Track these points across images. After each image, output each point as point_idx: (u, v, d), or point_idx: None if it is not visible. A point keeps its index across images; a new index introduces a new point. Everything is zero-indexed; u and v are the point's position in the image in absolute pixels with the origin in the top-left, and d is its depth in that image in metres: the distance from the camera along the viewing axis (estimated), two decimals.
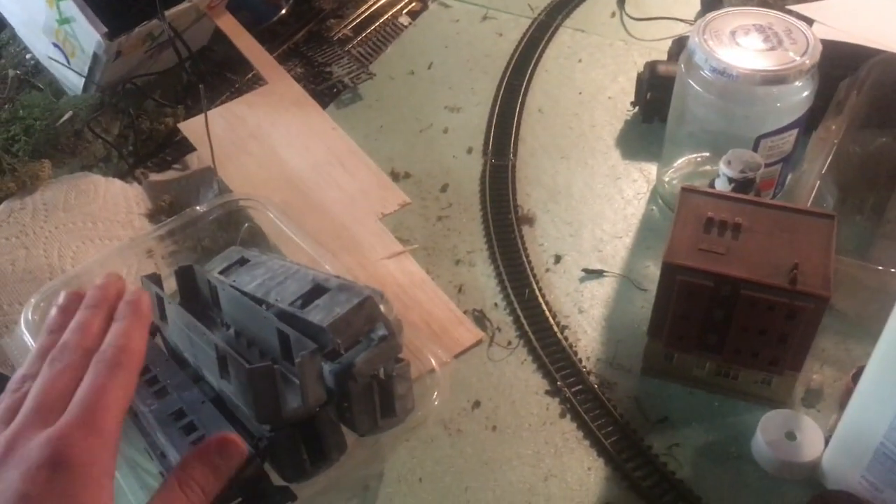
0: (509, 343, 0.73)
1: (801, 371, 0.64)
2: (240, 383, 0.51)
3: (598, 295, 0.76)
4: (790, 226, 0.63)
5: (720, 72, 0.70)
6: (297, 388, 0.50)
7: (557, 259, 0.79)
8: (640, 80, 0.91)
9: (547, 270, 0.78)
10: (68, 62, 0.91)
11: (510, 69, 1.00)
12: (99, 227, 0.79)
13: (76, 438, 0.39)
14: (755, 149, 0.73)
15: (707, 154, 0.81)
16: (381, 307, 0.51)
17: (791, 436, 0.62)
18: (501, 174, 0.87)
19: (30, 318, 0.64)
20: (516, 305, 0.75)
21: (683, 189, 0.67)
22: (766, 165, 0.74)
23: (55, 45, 0.91)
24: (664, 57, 0.95)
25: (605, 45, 1.03)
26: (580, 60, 1.02)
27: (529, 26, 1.06)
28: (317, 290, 0.54)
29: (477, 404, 0.68)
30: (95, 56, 0.88)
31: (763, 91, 0.70)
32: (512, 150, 0.90)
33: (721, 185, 0.69)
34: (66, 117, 0.88)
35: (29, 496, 0.36)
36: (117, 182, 0.84)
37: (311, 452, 0.51)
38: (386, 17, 1.09)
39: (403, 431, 0.57)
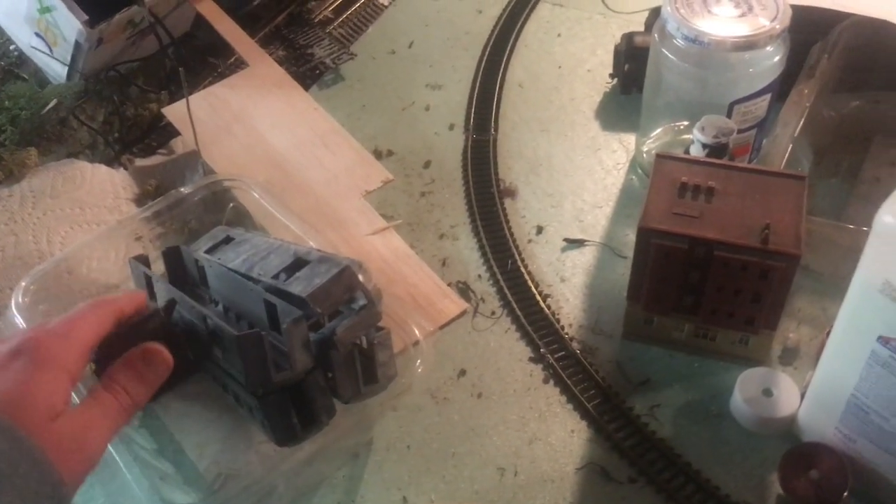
0: (493, 313, 0.74)
1: (776, 330, 0.66)
2: (230, 352, 0.52)
3: (580, 263, 0.77)
4: (762, 188, 0.64)
5: (692, 39, 0.71)
6: (286, 356, 0.51)
7: (539, 230, 0.80)
8: (618, 51, 0.91)
9: (529, 241, 0.80)
10: (51, 51, 0.92)
11: (490, 45, 1.01)
12: (87, 212, 0.80)
13: (43, 338, 0.44)
14: (729, 115, 0.74)
15: (685, 123, 0.82)
16: (360, 277, 0.53)
17: (768, 392, 0.64)
18: (483, 149, 0.89)
19: (20, 301, 0.66)
20: (499, 276, 0.76)
21: (658, 156, 0.68)
22: (741, 131, 0.75)
23: (37, 35, 0.92)
24: (642, 28, 0.96)
25: (584, 19, 1.04)
26: (559, 35, 1.02)
27: (509, 2, 1.06)
28: (298, 263, 0.56)
29: (463, 373, 0.70)
30: (77, 44, 0.89)
31: (735, 57, 0.72)
32: (493, 124, 0.91)
33: (696, 151, 0.71)
34: (50, 106, 0.89)
35: None
36: (103, 168, 0.85)
37: (302, 416, 0.53)
38: None
39: (388, 399, 0.59)
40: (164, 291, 0.63)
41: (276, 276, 0.56)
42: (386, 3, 1.09)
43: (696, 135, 0.70)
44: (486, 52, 1.00)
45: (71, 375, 0.43)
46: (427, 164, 0.88)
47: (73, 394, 0.44)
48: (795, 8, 0.72)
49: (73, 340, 0.44)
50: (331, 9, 1.08)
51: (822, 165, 0.80)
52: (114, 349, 0.48)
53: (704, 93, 0.75)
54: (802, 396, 0.63)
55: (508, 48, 1.01)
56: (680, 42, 0.72)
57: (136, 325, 0.48)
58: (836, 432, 0.59)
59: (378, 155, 0.89)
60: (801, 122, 0.74)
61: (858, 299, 0.52)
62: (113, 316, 0.48)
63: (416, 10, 1.08)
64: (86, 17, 0.86)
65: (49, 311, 0.69)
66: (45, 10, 0.88)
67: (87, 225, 0.79)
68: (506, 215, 0.81)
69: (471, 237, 0.80)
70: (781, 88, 0.76)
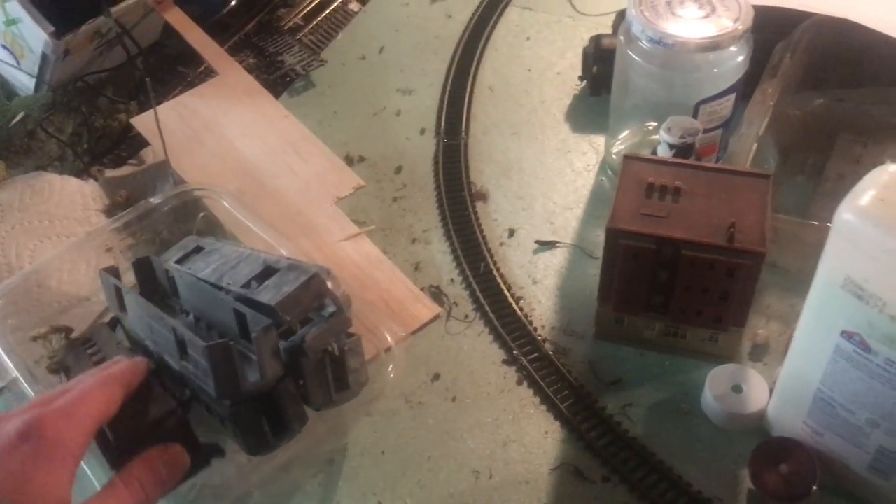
0: (466, 316, 0.74)
1: (745, 327, 0.67)
2: (199, 362, 0.52)
3: (552, 265, 0.78)
4: (728, 187, 0.65)
5: (657, 41, 0.72)
6: (256, 365, 0.52)
7: (511, 233, 0.81)
8: (587, 54, 0.92)
9: (501, 244, 0.80)
10: (18, 63, 0.92)
11: (460, 50, 1.02)
12: (56, 224, 0.79)
13: (50, 420, 0.43)
14: (695, 115, 0.75)
15: (653, 124, 0.83)
16: (329, 283, 0.53)
17: (737, 389, 0.65)
18: (454, 153, 0.89)
19: None
20: (472, 280, 0.77)
21: (625, 157, 0.69)
22: (707, 130, 0.76)
23: (4, 47, 0.91)
24: (609, 31, 0.97)
25: (553, 22, 1.05)
26: (528, 38, 1.03)
27: (478, 7, 1.07)
28: (267, 272, 0.56)
29: (437, 377, 0.70)
30: (44, 56, 0.88)
31: (699, 58, 0.72)
32: (464, 128, 0.92)
33: (662, 152, 0.71)
34: (18, 118, 0.88)
35: None
36: (72, 180, 0.84)
37: (273, 425, 0.53)
38: (336, 3, 1.10)
39: (362, 405, 0.59)
40: (133, 304, 0.63)
41: (245, 285, 0.56)
42: (356, 10, 1.10)
43: (663, 135, 0.71)
44: (457, 57, 1.01)
45: (77, 459, 0.43)
46: (399, 170, 0.88)
47: None
48: (758, 8, 0.73)
49: (79, 422, 0.44)
50: (300, 16, 1.08)
51: (788, 163, 0.81)
52: (130, 439, 0.49)
53: (670, 94, 0.75)
54: (771, 392, 0.64)
55: (478, 52, 1.01)
56: (645, 44, 0.73)
57: (155, 423, 0.49)
58: (805, 427, 0.60)
59: (350, 161, 0.89)
60: (766, 121, 0.75)
61: (821, 295, 0.53)
62: (121, 394, 0.48)
63: (387, 16, 1.08)
64: (52, 29, 0.86)
65: (18, 325, 0.68)
66: (11, 22, 0.88)
67: (56, 237, 0.79)
68: (478, 219, 0.82)
69: (443, 241, 0.81)
70: (746, 88, 0.77)
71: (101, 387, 0.46)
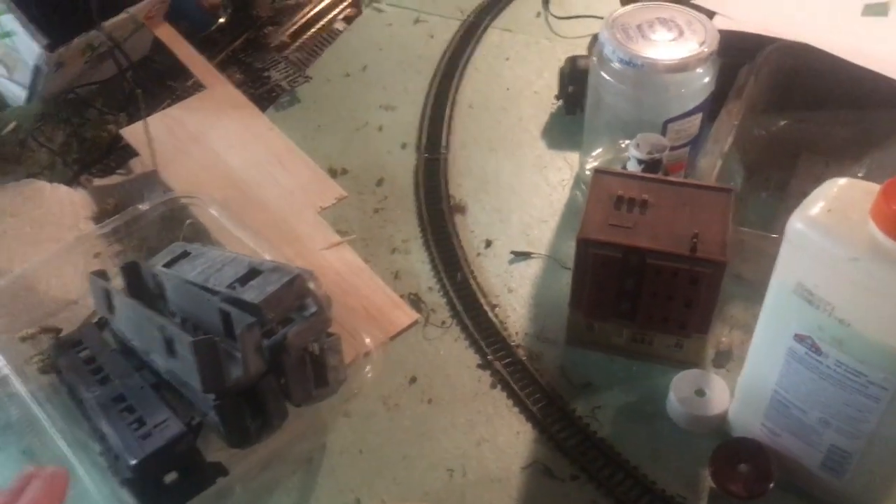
0: (443, 323, 0.77)
1: (708, 334, 0.70)
2: (185, 358, 0.54)
3: (526, 275, 0.81)
4: (692, 200, 0.69)
5: (627, 62, 0.76)
6: (240, 362, 0.54)
7: (488, 244, 0.84)
8: (562, 74, 0.96)
9: (478, 255, 0.83)
10: (10, 75, 0.94)
11: (441, 68, 1.05)
12: (46, 230, 0.82)
13: None
14: (664, 133, 0.79)
15: (626, 141, 0.86)
16: (311, 285, 0.56)
17: (700, 392, 0.68)
18: (434, 167, 0.92)
19: None
20: (449, 288, 0.79)
21: (596, 171, 0.72)
22: (675, 148, 0.79)
23: None
24: (585, 52, 1.00)
25: (532, 44, 1.09)
26: (508, 58, 1.07)
27: (459, 28, 1.11)
28: (251, 273, 0.58)
29: (413, 380, 0.73)
30: (37, 68, 0.91)
31: (668, 79, 0.76)
32: (444, 144, 0.95)
33: (632, 167, 0.75)
34: (9, 128, 0.91)
35: None
36: (62, 187, 0.87)
37: (255, 419, 0.55)
38: (322, 23, 1.13)
39: (340, 403, 0.62)
40: (122, 305, 0.65)
41: (230, 286, 0.59)
42: (341, 29, 1.13)
43: (632, 151, 0.74)
44: (438, 75, 1.04)
45: None
46: (380, 182, 0.91)
47: None
48: (723, 32, 0.77)
49: None
50: (287, 34, 1.11)
51: (753, 180, 0.85)
52: None
53: (641, 112, 0.79)
54: (733, 395, 0.67)
55: (459, 71, 1.05)
56: (616, 65, 0.77)
57: (167, 446, 0.52)
58: (762, 427, 0.63)
59: (333, 173, 0.92)
60: (731, 140, 0.78)
61: (775, 300, 0.56)
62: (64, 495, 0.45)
63: (370, 35, 1.12)
64: (46, 42, 0.88)
65: (6, 328, 0.70)
66: (5, 35, 0.90)
67: (46, 243, 0.81)
68: (456, 230, 0.85)
69: (422, 251, 0.83)
70: (712, 108, 0.80)
71: (46, 488, 0.44)
